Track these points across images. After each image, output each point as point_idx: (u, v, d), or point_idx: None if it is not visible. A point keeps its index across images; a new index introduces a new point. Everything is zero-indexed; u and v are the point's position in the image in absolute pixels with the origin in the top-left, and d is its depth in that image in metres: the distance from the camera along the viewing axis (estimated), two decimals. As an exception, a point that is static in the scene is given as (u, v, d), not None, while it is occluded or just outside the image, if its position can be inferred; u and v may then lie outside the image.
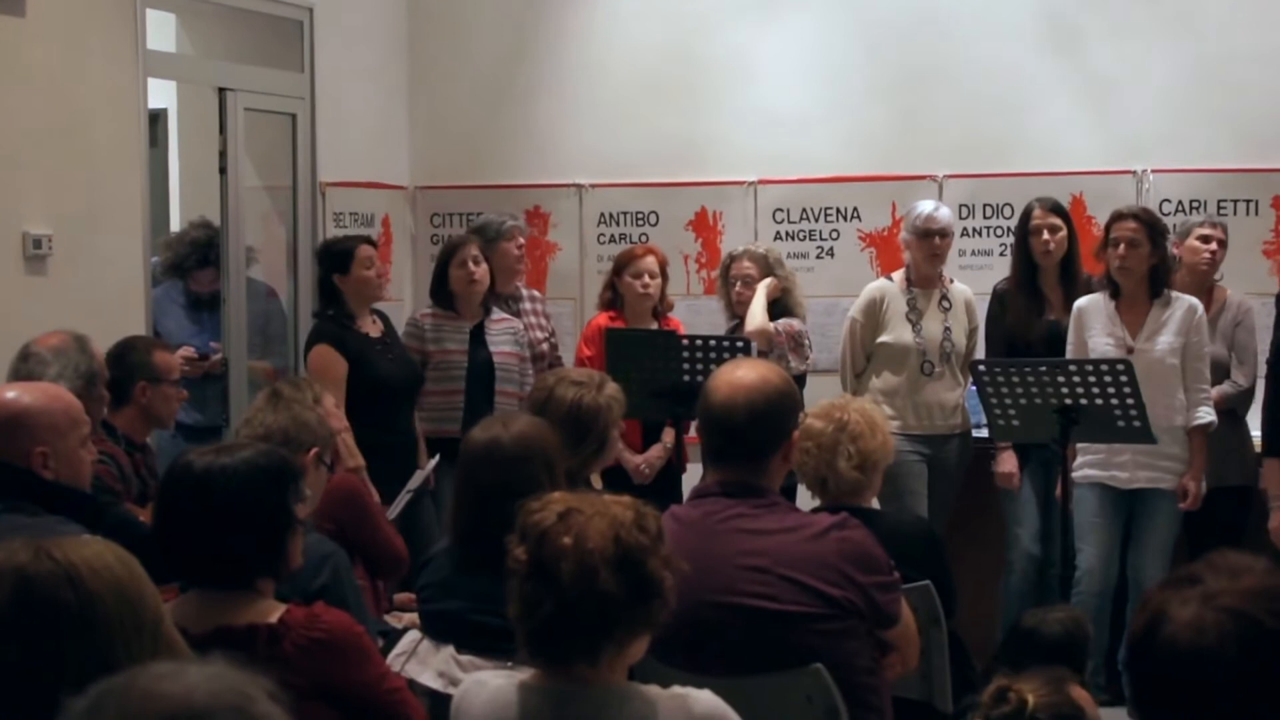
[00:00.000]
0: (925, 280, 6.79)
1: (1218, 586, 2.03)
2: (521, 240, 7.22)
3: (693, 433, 5.58)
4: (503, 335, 6.91)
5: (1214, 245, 6.55)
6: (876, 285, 6.88)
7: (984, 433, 6.75)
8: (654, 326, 7.00)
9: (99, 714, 1.65)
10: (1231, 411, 6.44)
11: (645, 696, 2.77)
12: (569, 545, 2.71)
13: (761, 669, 3.39)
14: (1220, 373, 6.46)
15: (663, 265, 7.05)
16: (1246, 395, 6.46)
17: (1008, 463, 6.56)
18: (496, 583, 2.83)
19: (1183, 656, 1.99)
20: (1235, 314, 6.57)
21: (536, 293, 7.47)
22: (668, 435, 6.82)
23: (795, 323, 6.83)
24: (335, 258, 6.54)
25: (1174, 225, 6.89)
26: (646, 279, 6.96)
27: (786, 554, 3.45)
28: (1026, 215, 6.65)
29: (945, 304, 6.78)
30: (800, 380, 6.77)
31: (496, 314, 6.95)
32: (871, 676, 3.53)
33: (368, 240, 6.76)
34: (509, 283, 7.18)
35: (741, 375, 3.65)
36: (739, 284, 6.90)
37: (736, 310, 6.95)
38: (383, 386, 6.38)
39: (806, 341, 6.87)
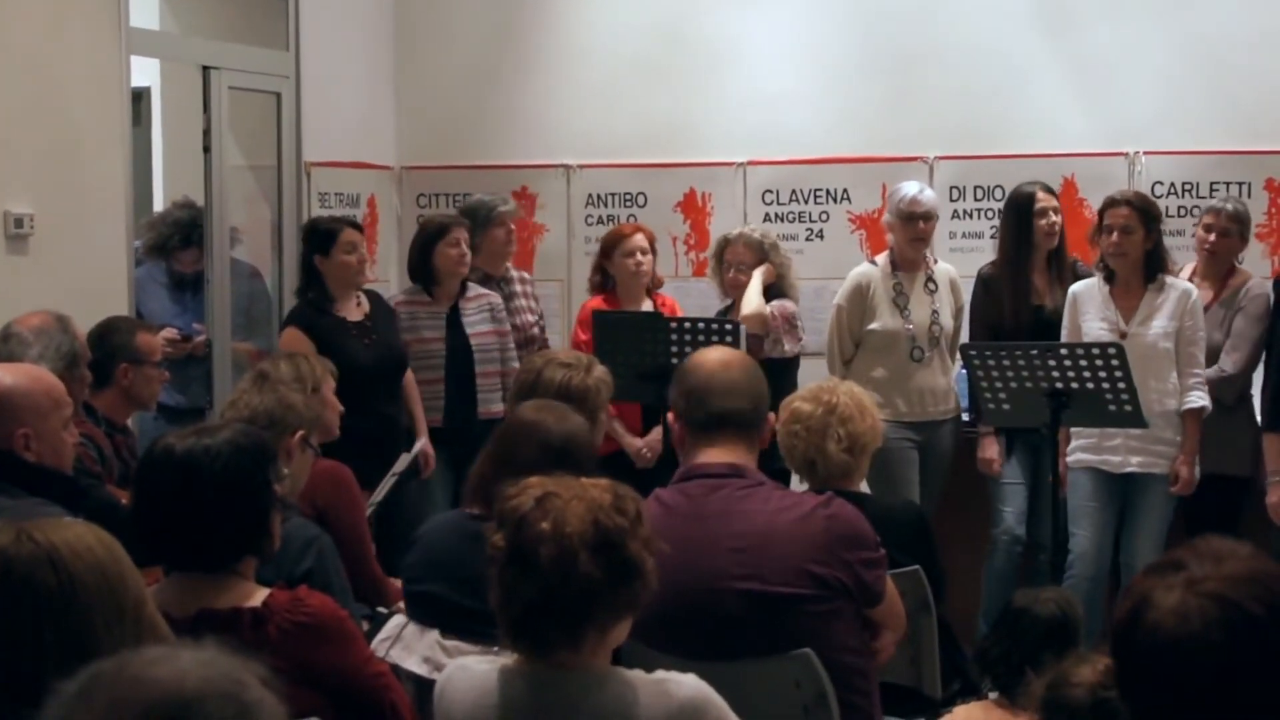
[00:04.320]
0: (909, 263, 6.77)
1: (1201, 572, 2.04)
2: (511, 225, 7.21)
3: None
4: (479, 314, 6.89)
5: (1213, 236, 6.54)
6: (861, 271, 6.86)
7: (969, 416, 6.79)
8: (647, 304, 7.00)
9: (89, 698, 1.65)
10: (1217, 399, 6.41)
11: (628, 681, 2.77)
12: (547, 530, 2.71)
13: (749, 652, 3.40)
14: (1211, 358, 6.45)
15: (651, 242, 7.05)
16: (1230, 383, 6.39)
17: (989, 448, 6.57)
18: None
19: (1167, 643, 2.00)
20: (1241, 299, 6.49)
21: (526, 274, 7.45)
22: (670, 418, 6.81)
23: (789, 304, 6.83)
24: (318, 238, 6.51)
25: (1165, 209, 6.91)
26: (639, 257, 6.96)
27: (774, 534, 3.45)
28: (1028, 200, 6.59)
29: (931, 285, 6.78)
30: (794, 362, 6.80)
31: (472, 290, 6.93)
32: (860, 659, 3.53)
33: (354, 224, 6.73)
34: (499, 266, 7.18)
35: (724, 354, 3.74)
36: (732, 270, 6.89)
37: (729, 293, 6.96)
38: (352, 372, 6.33)
39: (799, 323, 6.87)
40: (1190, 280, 6.46)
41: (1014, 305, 6.57)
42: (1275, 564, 2.09)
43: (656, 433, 6.84)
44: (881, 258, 6.85)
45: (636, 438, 6.87)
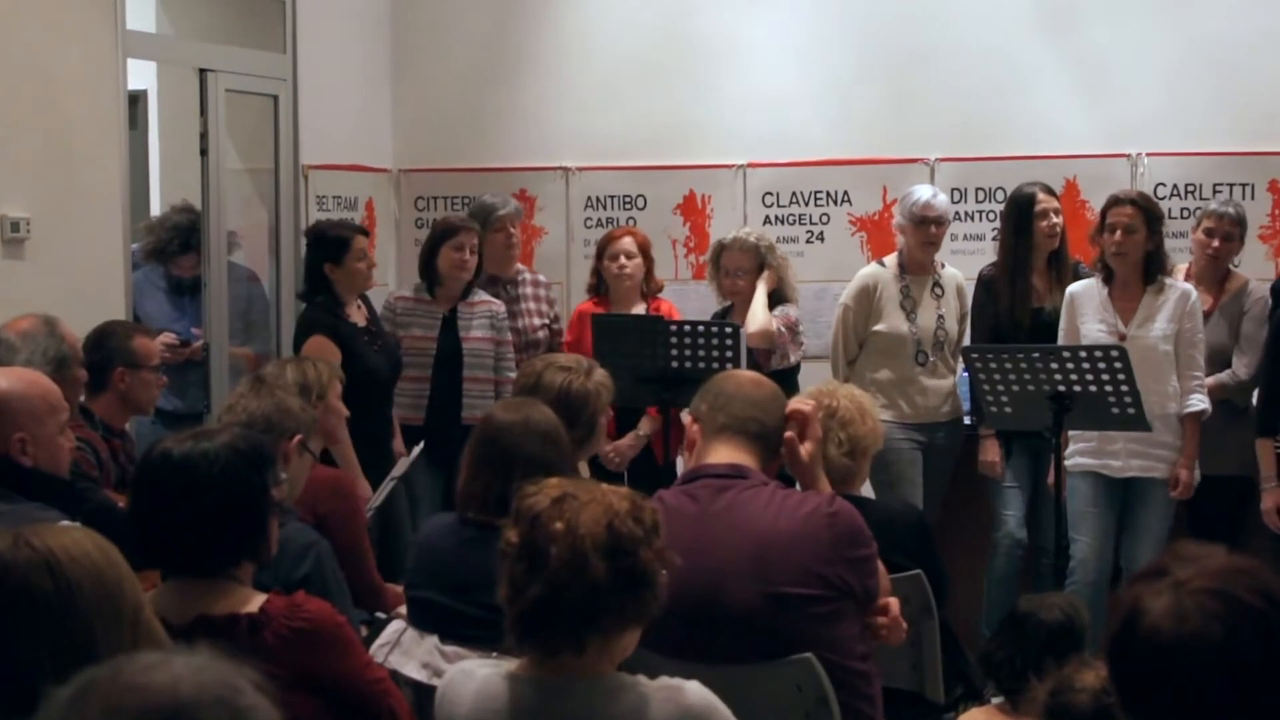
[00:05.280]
0: (918, 267, 6.77)
1: (1186, 573, 2.04)
2: (510, 229, 7.21)
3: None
4: (479, 319, 6.90)
5: (1216, 241, 6.54)
6: (869, 271, 6.86)
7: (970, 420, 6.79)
8: (642, 308, 7.00)
9: (82, 704, 1.65)
10: (1228, 401, 6.42)
11: (636, 688, 2.77)
12: (561, 530, 2.72)
13: (753, 656, 3.39)
14: (1220, 361, 6.45)
15: (643, 246, 7.05)
16: (1244, 387, 6.41)
17: (990, 451, 6.57)
18: (491, 566, 2.84)
19: (1167, 645, 1.99)
20: (1246, 303, 6.51)
21: (541, 277, 7.43)
22: (643, 425, 6.82)
23: (791, 311, 6.82)
24: (329, 246, 6.50)
25: (1169, 210, 6.91)
26: (623, 260, 6.97)
27: (779, 535, 3.44)
28: (1028, 201, 6.60)
29: (938, 290, 6.78)
30: (795, 368, 6.79)
31: (477, 296, 6.95)
32: (864, 663, 3.53)
33: (361, 230, 6.74)
34: (504, 268, 7.19)
35: (759, 378, 3.85)
36: (730, 276, 6.87)
37: (728, 298, 6.95)
38: (371, 377, 6.36)
39: (801, 329, 6.86)
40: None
41: (1013, 306, 6.57)
42: (1253, 559, 2.10)
43: (629, 438, 6.85)
44: (890, 259, 6.85)
45: (606, 441, 6.83)
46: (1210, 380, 6.35)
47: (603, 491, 2.81)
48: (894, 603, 3.71)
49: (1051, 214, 6.60)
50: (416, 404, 6.79)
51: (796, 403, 3.82)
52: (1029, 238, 6.60)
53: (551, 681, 2.78)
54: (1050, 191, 6.70)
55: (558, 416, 4.36)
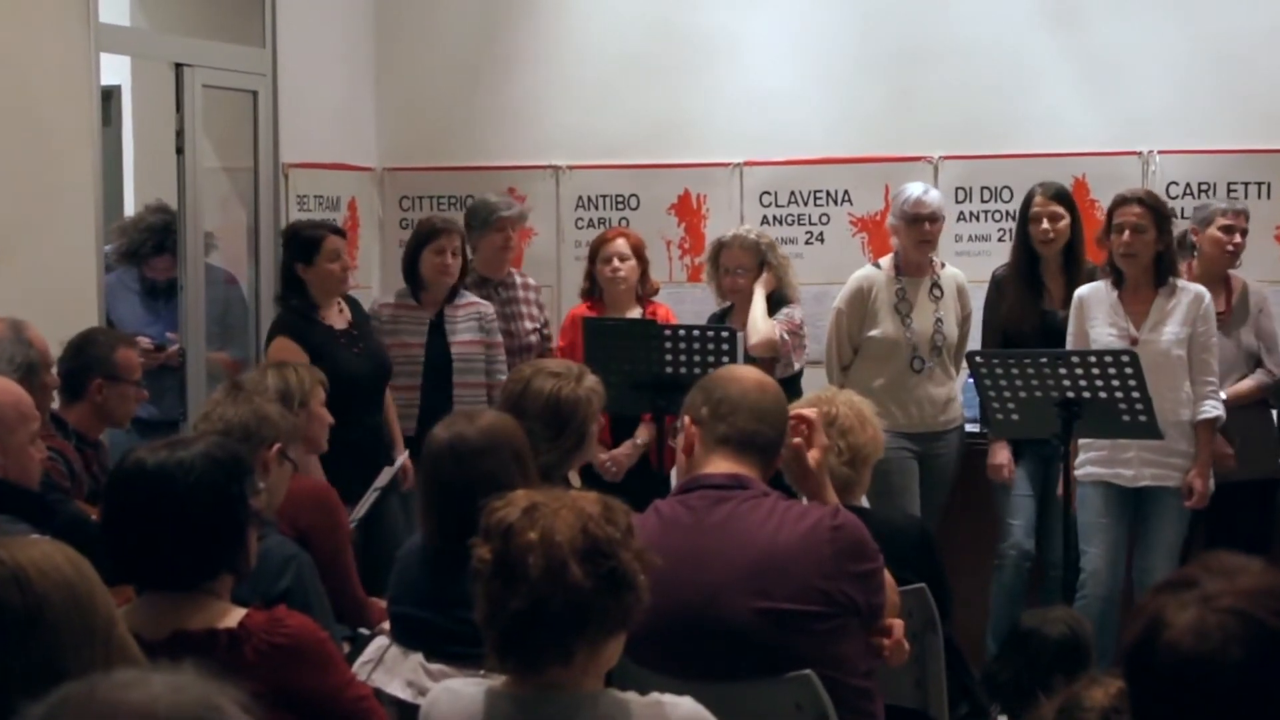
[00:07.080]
0: (915, 268, 6.76)
1: (1216, 588, 2.03)
2: (509, 232, 7.21)
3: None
4: (467, 322, 6.91)
5: (1237, 236, 6.56)
6: (863, 274, 6.85)
7: (976, 427, 6.78)
8: (637, 312, 7.00)
9: (57, 722, 1.65)
10: (1263, 402, 6.45)
11: (620, 703, 2.77)
12: (535, 539, 2.71)
13: (751, 672, 3.39)
14: (1251, 362, 6.50)
15: (637, 247, 7.05)
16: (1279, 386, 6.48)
17: (1000, 454, 6.56)
18: (468, 584, 2.84)
19: (1186, 662, 1.99)
20: (1257, 300, 6.58)
21: (530, 280, 7.44)
22: (640, 433, 6.80)
23: (795, 313, 6.78)
24: (300, 246, 6.52)
25: (1180, 210, 6.92)
26: (616, 263, 6.97)
27: (780, 548, 3.43)
28: (1028, 201, 6.63)
29: (936, 292, 6.76)
30: (799, 374, 6.78)
31: (464, 298, 6.96)
32: (866, 681, 3.52)
33: (337, 230, 6.74)
34: (496, 270, 7.20)
35: (762, 378, 3.75)
36: (729, 275, 6.87)
37: (728, 297, 6.94)
38: (345, 382, 6.34)
39: (804, 330, 6.84)
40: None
41: (1019, 309, 6.57)
42: None
43: (625, 446, 6.83)
44: (885, 261, 6.84)
45: (602, 450, 6.83)
46: (1249, 382, 6.38)
47: (571, 497, 2.80)
48: (898, 624, 3.71)
49: (1045, 219, 6.54)
50: (408, 413, 6.77)
51: (799, 409, 3.80)
52: (1026, 240, 6.61)
53: (533, 696, 2.76)
54: (1057, 196, 6.60)
55: (546, 424, 4.37)
